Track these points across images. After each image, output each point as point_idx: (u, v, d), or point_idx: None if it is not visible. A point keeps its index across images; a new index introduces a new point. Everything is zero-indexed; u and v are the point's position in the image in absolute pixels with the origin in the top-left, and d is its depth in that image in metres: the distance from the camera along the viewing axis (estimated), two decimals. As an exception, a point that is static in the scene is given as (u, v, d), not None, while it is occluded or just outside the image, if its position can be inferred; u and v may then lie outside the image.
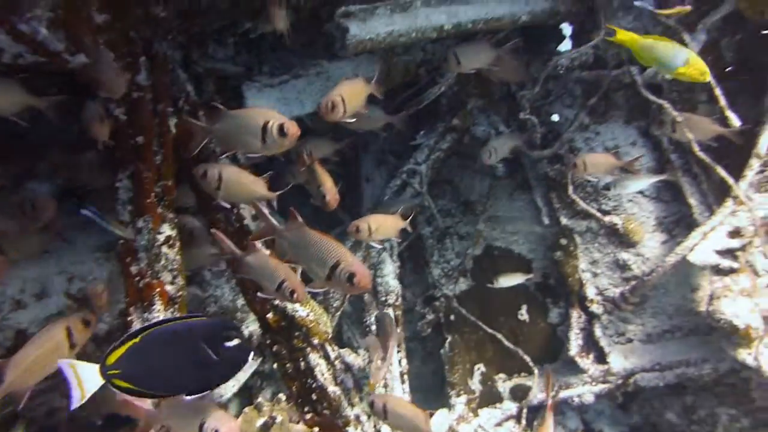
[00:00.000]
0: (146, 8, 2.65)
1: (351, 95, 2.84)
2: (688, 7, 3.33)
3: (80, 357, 2.34)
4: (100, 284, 2.93)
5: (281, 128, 2.38)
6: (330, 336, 3.63)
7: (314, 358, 3.40)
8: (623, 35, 2.88)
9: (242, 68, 3.47)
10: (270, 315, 3.33)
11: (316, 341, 3.46)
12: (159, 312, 2.56)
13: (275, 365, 3.53)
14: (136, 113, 2.75)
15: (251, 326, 3.98)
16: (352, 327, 4.91)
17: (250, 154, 2.63)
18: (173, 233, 2.77)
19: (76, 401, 1.82)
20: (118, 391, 1.89)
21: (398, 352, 4.31)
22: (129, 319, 2.56)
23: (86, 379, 1.82)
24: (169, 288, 2.67)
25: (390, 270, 4.58)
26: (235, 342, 1.94)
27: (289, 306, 3.34)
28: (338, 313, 4.47)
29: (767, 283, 3.62)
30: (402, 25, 3.39)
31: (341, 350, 4.22)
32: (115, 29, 2.53)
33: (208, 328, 1.93)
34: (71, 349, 2.38)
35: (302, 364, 3.37)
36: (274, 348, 3.44)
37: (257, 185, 2.76)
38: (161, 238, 2.73)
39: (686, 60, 2.75)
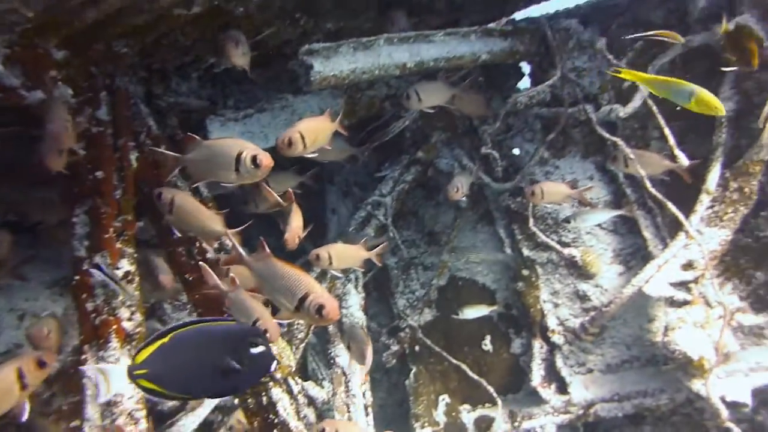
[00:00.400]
0: (108, 44, 2.66)
1: (311, 132, 2.85)
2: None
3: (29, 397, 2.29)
4: (47, 325, 2.83)
5: (254, 159, 2.39)
6: (293, 369, 3.60)
7: (277, 392, 3.35)
8: (627, 74, 3.03)
9: (206, 102, 3.49)
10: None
11: (279, 375, 3.42)
12: (114, 350, 2.52)
13: (236, 400, 3.48)
14: (95, 148, 2.73)
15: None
16: (317, 358, 4.87)
17: (224, 184, 2.64)
18: (132, 268, 2.73)
19: (103, 396, 1.86)
20: (144, 393, 1.90)
21: (363, 384, 4.29)
22: (83, 357, 2.50)
23: (114, 380, 1.86)
24: (126, 324, 2.63)
25: (355, 301, 4.58)
26: (261, 349, 1.92)
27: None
28: (303, 344, 4.43)
29: (719, 314, 3.75)
30: (365, 62, 3.47)
31: (305, 383, 4.19)
32: (74, 65, 2.53)
33: (235, 333, 1.93)
34: (22, 390, 2.30)
35: (264, 398, 3.32)
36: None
37: (210, 218, 2.76)
38: (119, 273, 2.69)
39: (693, 95, 2.88)
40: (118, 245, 2.72)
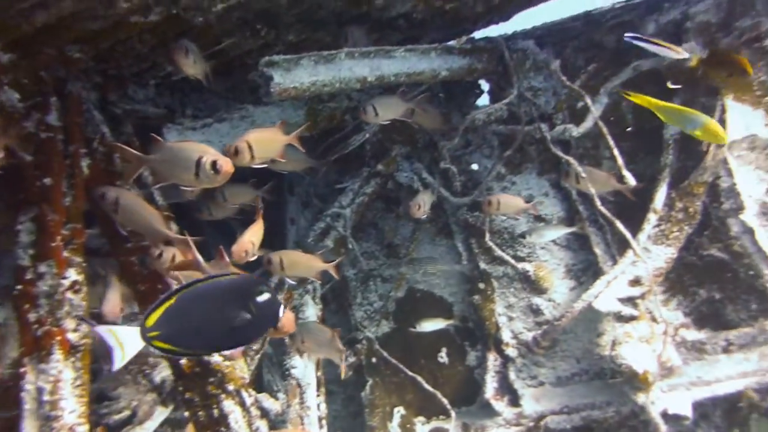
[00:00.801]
0: (60, 48, 2.61)
1: (260, 142, 2.83)
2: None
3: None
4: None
5: (214, 164, 2.40)
6: (247, 381, 3.56)
7: (228, 405, 3.31)
8: (636, 98, 3.15)
9: (163, 110, 3.44)
10: (184, 360, 3.25)
11: (231, 387, 3.38)
12: (57, 362, 2.45)
13: (186, 413, 3.42)
14: (43, 153, 2.67)
15: (163, 372, 3.85)
16: (272, 369, 4.83)
17: (184, 188, 2.63)
18: (80, 278, 2.67)
19: (118, 363, 1.84)
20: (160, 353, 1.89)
21: (317, 396, 4.28)
22: (22, 370, 2.42)
23: (127, 343, 1.84)
24: (71, 336, 2.56)
25: (312, 312, 4.56)
26: (266, 296, 1.96)
27: (205, 351, 3.26)
28: (258, 355, 4.39)
29: (663, 329, 3.89)
30: (326, 75, 3.49)
31: (258, 395, 4.14)
32: (22, 69, 2.47)
33: (240, 285, 1.98)
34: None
35: (215, 411, 3.28)
36: (186, 395, 3.34)
37: (156, 218, 2.73)
38: (66, 283, 2.62)
39: (701, 125, 2.99)
40: (66, 254, 2.65)
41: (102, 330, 1.84)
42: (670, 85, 4.09)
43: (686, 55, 3.28)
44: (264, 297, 1.96)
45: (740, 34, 3.93)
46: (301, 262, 3.48)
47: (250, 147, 2.75)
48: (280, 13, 3.21)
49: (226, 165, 2.44)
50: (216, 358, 3.32)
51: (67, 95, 2.79)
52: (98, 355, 2.69)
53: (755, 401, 4.03)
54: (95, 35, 2.57)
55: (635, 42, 3.29)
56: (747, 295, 4.02)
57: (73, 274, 2.64)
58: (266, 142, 2.89)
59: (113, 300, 3.08)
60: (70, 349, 2.54)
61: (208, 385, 3.30)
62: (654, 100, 3.11)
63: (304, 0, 3.17)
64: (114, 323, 3.44)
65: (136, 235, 3.06)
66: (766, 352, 3.58)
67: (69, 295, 2.62)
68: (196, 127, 3.44)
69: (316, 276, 3.72)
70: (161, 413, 3.88)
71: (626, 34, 3.35)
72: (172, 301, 1.85)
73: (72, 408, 2.35)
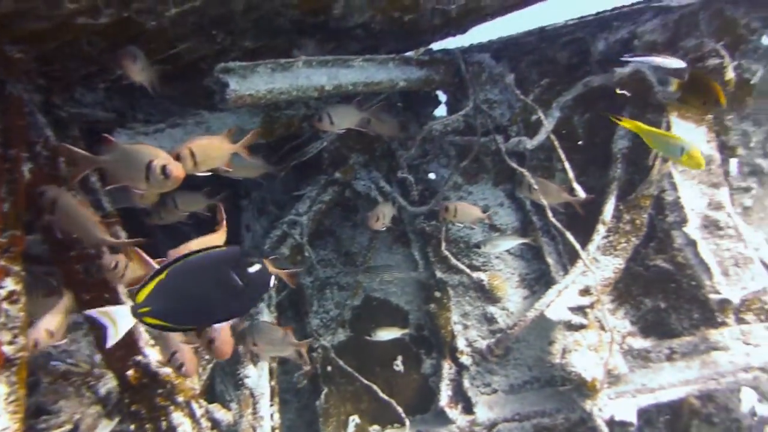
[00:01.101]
0: (-1, 48, 2.51)
1: (203, 150, 2.74)
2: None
3: None
4: None
5: (164, 169, 2.36)
6: (197, 392, 3.48)
7: (177, 417, 3.23)
8: (627, 123, 3.22)
9: (113, 114, 3.35)
10: (131, 372, 3.15)
11: (180, 399, 3.30)
12: (-9, 376, 2.33)
13: (132, 426, 3.31)
14: (-20, 157, 2.55)
15: (108, 384, 3.72)
16: (225, 379, 4.74)
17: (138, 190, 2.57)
18: (18, 288, 2.56)
19: (112, 340, 1.84)
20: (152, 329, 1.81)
21: (271, 405, 4.22)
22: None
23: (120, 320, 1.83)
24: (6, 348, 2.44)
25: (267, 321, 4.50)
26: (257, 267, 1.94)
27: (153, 362, 3.18)
28: (210, 365, 4.30)
29: (610, 338, 4.00)
30: (283, 83, 3.47)
31: (209, 406, 4.05)
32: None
33: (229, 256, 1.95)
34: None
35: (163, 424, 3.19)
36: (133, 407, 3.24)
37: (93, 224, 2.66)
38: (3, 293, 2.51)
39: (685, 151, 3.07)
40: (3, 262, 2.54)
41: (94, 312, 1.85)
42: (618, 91, 4.20)
43: (683, 64, 3.37)
44: (255, 267, 1.95)
45: (685, 54, 4.09)
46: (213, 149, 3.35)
47: (192, 154, 2.67)
48: (236, 19, 3.17)
49: (177, 170, 2.38)
50: (165, 369, 3.24)
51: (7, 97, 2.68)
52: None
53: (696, 408, 4.20)
54: (39, 36, 2.48)
55: (634, 60, 3.38)
56: (689, 305, 4.18)
57: (10, 284, 2.53)
58: (211, 150, 2.79)
59: (48, 324, 2.91)
60: (5, 363, 2.43)
61: (156, 397, 3.21)
62: (643, 126, 3.22)
63: (260, 7, 3.14)
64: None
65: (78, 241, 2.96)
66: (708, 361, 3.72)
67: (5, 305, 2.51)
68: (148, 132, 3.36)
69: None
70: (106, 426, 3.75)
71: (625, 56, 3.45)
72: (162, 277, 1.83)
73: (4, 425, 2.24)
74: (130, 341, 3.13)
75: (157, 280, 1.84)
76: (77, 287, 3.09)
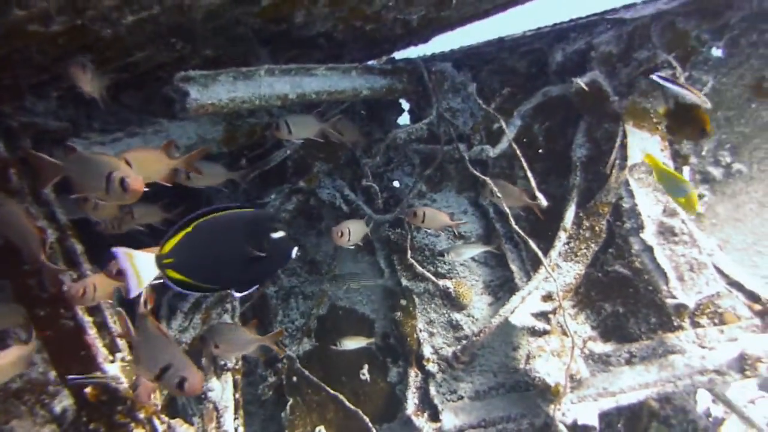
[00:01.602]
0: (-56, 56, 2.41)
1: (139, 162, 2.66)
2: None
3: None
4: None
5: (122, 181, 2.31)
6: (159, 407, 3.40)
7: (138, 434, 3.15)
8: (649, 159, 3.32)
9: (66, 124, 3.25)
10: (89, 389, 3.07)
11: (141, 415, 3.22)
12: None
13: (93, 444, 3.21)
14: (-74, 170, 2.44)
15: (64, 401, 3.59)
16: (188, 393, 4.63)
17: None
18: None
19: (134, 290, 1.79)
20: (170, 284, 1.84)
21: (235, 419, 4.15)
22: None
23: (143, 269, 1.79)
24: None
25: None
26: (281, 234, 1.92)
27: (112, 377, 3.10)
28: (172, 379, 4.20)
29: (572, 343, 4.06)
30: (245, 92, 3.43)
31: (172, 421, 3.96)
32: None
33: (256, 219, 1.93)
34: None
35: (124, 441, 3.11)
36: (91, 426, 3.15)
37: (30, 238, 2.59)
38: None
39: (686, 194, 3.23)
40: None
41: (120, 252, 1.79)
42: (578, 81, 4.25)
43: (707, 103, 3.47)
44: (278, 235, 1.92)
45: (639, 65, 4.22)
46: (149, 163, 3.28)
47: (128, 165, 2.61)
48: (196, 27, 3.13)
49: (136, 183, 2.34)
50: (125, 384, 3.15)
51: (-47, 106, 2.58)
52: None
53: (655, 410, 4.31)
54: (-13, 44, 2.39)
55: (661, 82, 3.47)
56: (647, 309, 4.28)
57: (-41, 300, 2.42)
58: (147, 163, 2.72)
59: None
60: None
61: (115, 414, 3.13)
62: (659, 163, 3.42)
63: (220, 15, 3.10)
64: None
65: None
66: (665, 364, 3.82)
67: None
68: (105, 142, 3.27)
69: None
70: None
71: (654, 75, 3.52)
72: (188, 230, 1.80)
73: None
74: (87, 357, 3.05)
75: (183, 232, 1.80)
76: (30, 303, 2.98)
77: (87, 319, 2.99)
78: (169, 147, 2.85)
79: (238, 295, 2.11)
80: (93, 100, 3.17)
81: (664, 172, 3.39)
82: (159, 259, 1.79)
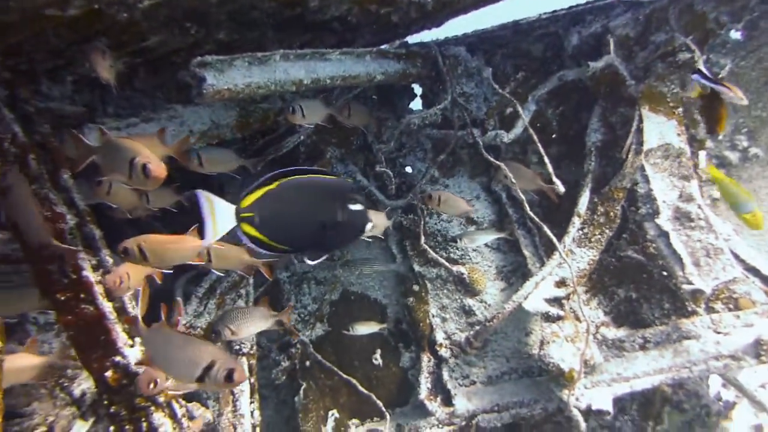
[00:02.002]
0: (-38, 42, 2.40)
1: None
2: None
3: None
4: None
5: (145, 167, 2.35)
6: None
7: (158, 417, 3.18)
8: (714, 172, 3.30)
9: (82, 108, 3.24)
10: (110, 373, 3.09)
11: (161, 399, 3.25)
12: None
13: (112, 428, 3.25)
14: (-54, 156, 2.45)
15: (83, 384, 3.63)
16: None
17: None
18: (-12, 291, 2.47)
19: (209, 238, 1.79)
20: (245, 238, 1.83)
21: (251, 402, 4.19)
22: None
23: (221, 218, 1.80)
24: (-21, 354, 2.36)
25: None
26: (358, 206, 1.91)
27: (133, 362, 3.13)
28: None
29: (586, 329, 4.07)
30: (260, 77, 3.41)
31: (189, 405, 4.00)
32: None
33: (337, 188, 1.92)
34: None
35: (144, 425, 3.14)
36: (112, 409, 3.18)
37: (35, 219, 2.66)
38: (-28, 296, 2.42)
39: (750, 211, 3.22)
40: (-28, 264, 2.45)
41: (202, 196, 1.81)
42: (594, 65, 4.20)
43: (744, 100, 3.41)
44: (356, 206, 1.92)
45: (656, 48, 4.16)
46: (228, 255, 3.33)
47: None
48: (211, 12, 3.10)
49: (158, 170, 2.38)
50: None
51: (-29, 92, 2.57)
52: None
53: (668, 395, 4.32)
54: (4, 28, 2.37)
55: (701, 80, 3.43)
56: (660, 295, 4.27)
57: (-20, 287, 2.44)
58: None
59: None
60: (-21, 368, 2.35)
61: (136, 398, 3.15)
62: (723, 177, 3.50)
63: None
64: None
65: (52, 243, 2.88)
66: (680, 349, 3.82)
67: (-23, 309, 2.42)
68: (120, 127, 3.27)
69: (246, 270, 3.57)
70: (81, 428, 3.66)
71: (693, 75, 3.48)
72: (271, 187, 1.80)
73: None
74: (107, 342, 3.06)
75: (265, 189, 1.80)
76: (50, 287, 2.99)
77: (107, 304, 3.00)
78: (161, 134, 2.88)
79: (310, 262, 2.12)
80: (108, 85, 3.17)
81: (728, 187, 3.36)
82: (238, 212, 1.80)
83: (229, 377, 2.15)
